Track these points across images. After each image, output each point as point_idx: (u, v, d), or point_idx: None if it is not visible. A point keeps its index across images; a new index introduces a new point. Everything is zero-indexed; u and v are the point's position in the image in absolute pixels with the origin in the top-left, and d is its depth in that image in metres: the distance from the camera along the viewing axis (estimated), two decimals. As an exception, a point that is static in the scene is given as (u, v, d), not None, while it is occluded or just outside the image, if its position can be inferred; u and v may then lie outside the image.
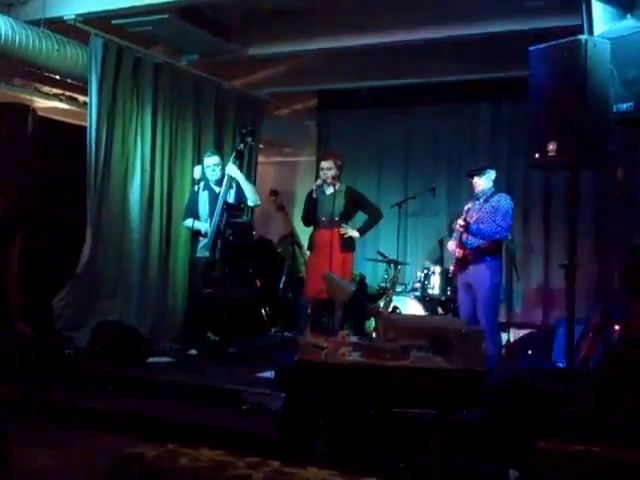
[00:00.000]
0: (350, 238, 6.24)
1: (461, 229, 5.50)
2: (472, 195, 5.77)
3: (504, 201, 5.52)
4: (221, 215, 6.22)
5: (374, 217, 6.39)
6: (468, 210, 5.63)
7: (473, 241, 5.50)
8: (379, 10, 6.24)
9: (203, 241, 6.33)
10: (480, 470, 3.63)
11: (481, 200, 5.60)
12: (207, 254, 6.24)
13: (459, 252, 5.55)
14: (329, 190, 6.23)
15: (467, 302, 5.59)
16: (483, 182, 5.61)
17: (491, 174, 5.64)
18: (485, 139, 7.92)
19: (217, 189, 6.38)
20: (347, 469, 1.69)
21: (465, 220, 5.48)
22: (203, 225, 6.34)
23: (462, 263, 5.58)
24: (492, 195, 5.59)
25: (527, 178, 7.63)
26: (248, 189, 6.43)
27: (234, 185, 6.40)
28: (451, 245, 5.75)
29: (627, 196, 6.02)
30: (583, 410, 3.23)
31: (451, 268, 5.96)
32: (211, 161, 6.44)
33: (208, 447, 1.80)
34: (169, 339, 6.71)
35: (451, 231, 7.03)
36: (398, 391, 3.09)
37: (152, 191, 6.72)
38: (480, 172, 5.62)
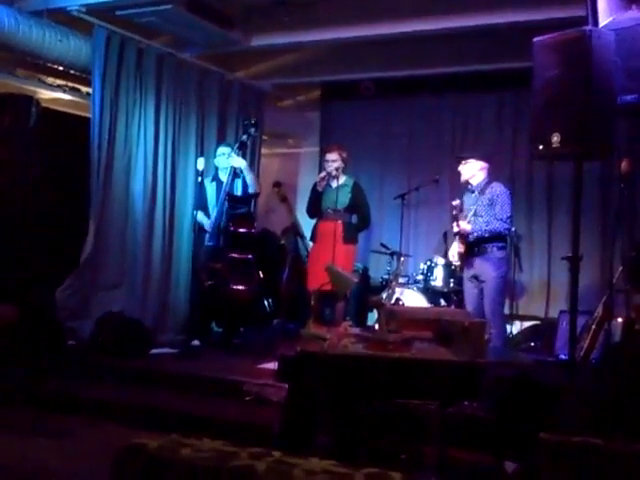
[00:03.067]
0: (353, 230, 6.24)
1: (462, 229, 5.44)
2: (465, 188, 5.72)
3: (500, 190, 5.45)
4: (222, 206, 6.28)
5: (361, 225, 6.37)
6: (456, 206, 5.58)
7: (476, 232, 5.45)
8: (382, 1, 6.22)
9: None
10: (481, 462, 3.64)
11: (476, 192, 5.54)
12: (210, 244, 6.36)
13: (460, 247, 5.51)
14: (335, 182, 6.26)
15: (474, 293, 5.57)
16: (467, 171, 5.56)
17: (476, 164, 5.56)
18: (488, 130, 7.90)
19: (225, 180, 6.45)
20: (349, 460, 1.69)
21: (458, 225, 5.41)
22: (206, 221, 6.41)
23: (467, 256, 5.54)
24: (486, 186, 5.52)
25: (530, 169, 7.61)
26: (249, 177, 6.50)
27: (241, 175, 6.46)
28: (453, 250, 5.71)
29: (630, 188, 6.00)
30: (585, 402, 3.23)
31: (457, 264, 5.87)
32: (224, 150, 6.56)
33: (211, 438, 1.80)
34: (172, 330, 6.72)
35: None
36: (400, 382, 3.10)
37: (155, 182, 6.72)
38: (463, 159, 5.60)
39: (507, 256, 5.66)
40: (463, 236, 5.48)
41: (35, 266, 5.80)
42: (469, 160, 5.59)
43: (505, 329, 5.99)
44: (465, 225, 5.44)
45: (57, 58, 6.16)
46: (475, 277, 5.54)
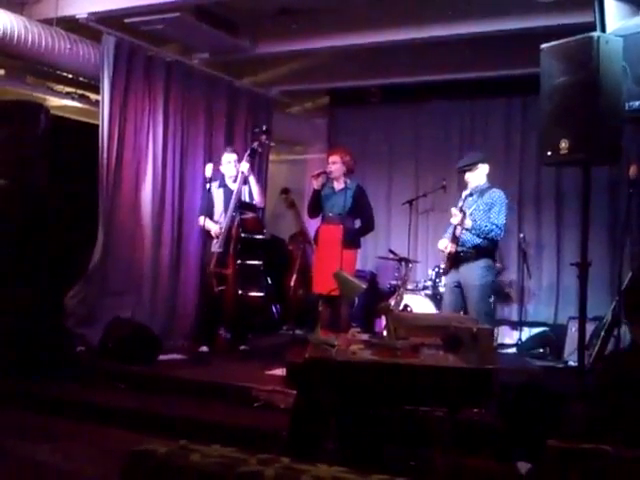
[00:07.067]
0: (354, 234, 6.16)
1: (456, 222, 5.29)
2: (464, 190, 5.61)
3: (498, 197, 5.36)
4: (234, 212, 6.27)
5: (365, 228, 6.31)
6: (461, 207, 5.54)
7: (469, 239, 5.33)
8: (389, 8, 6.24)
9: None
10: (490, 468, 3.62)
11: (474, 196, 5.44)
12: (220, 250, 6.28)
13: (452, 247, 5.34)
14: (338, 186, 6.21)
15: (455, 302, 5.42)
16: (476, 177, 5.45)
17: (483, 168, 5.46)
18: (496, 136, 7.90)
19: (232, 186, 6.42)
20: (357, 466, 1.69)
21: (462, 210, 5.28)
22: (213, 226, 6.38)
23: (454, 260, 5.39)
24: (486, 190, 5.43)
25: (539, 175, 7.61)
26: (255, 189, 6.47)
27: (249, 182, 6.45)
28: (443, 243, 5.59)
29: (639, 193, 5.98)
30: (594, 408, 3.22)
31: (442, 265, 5.78)
32: (230, 157, 6.49)
33: (220, 444, 1.81)
34: (180, 336, 6.74)
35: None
36: (409, 389, 3.10)
37: (164, 189, 6.75)
38: (472, 167, 5.45)
39: (493, 265, 5.49)
40: (457, 238, 5.35)
41: (44, 273, 5.82)
42: (478, 165, 5.46)
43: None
44: (467, 221, 5.30)
45: (66, 66, 6.20)
46: (458, 285, 5.40)
